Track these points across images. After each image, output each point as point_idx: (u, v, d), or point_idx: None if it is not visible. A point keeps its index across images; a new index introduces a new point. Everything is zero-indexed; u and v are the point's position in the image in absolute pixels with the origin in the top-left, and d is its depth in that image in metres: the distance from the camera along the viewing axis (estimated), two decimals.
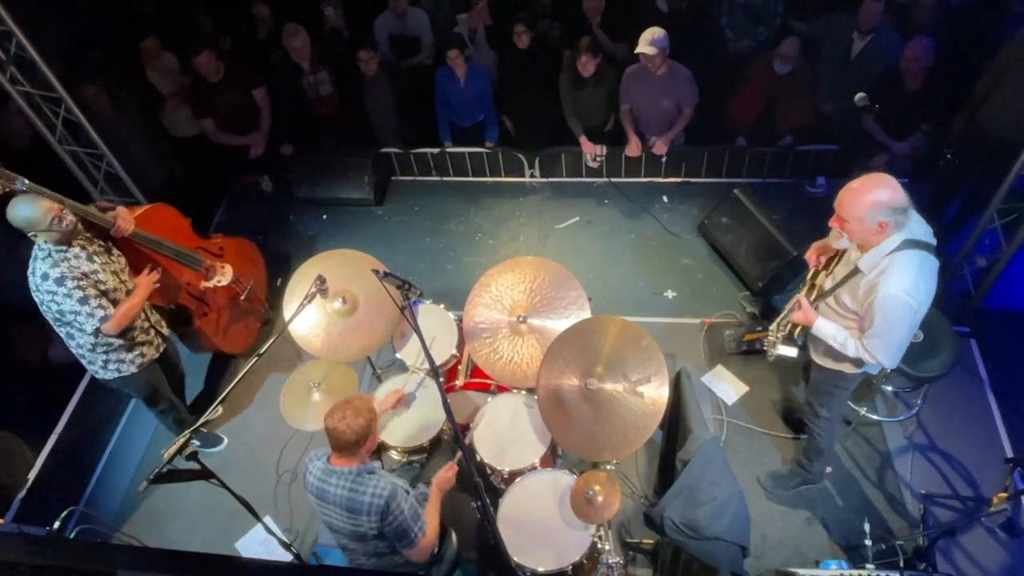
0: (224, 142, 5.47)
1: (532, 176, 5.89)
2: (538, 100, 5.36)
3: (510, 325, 3.53)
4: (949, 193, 4.93)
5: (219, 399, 2.74)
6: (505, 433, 3.43)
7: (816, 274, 3.05)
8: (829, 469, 3.78)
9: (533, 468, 3.29)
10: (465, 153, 5.82)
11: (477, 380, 3.74)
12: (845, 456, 3.91)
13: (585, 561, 3.02)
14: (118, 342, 3.45)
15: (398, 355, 3.78)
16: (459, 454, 3.06)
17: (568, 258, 4.89)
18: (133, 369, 3.57)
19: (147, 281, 3.56)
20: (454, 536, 3.17)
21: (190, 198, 4.39)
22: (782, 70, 4.83)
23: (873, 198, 2.51)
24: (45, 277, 3.14)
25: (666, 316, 4.75)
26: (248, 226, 5.57)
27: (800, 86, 4.95)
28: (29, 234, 3.09)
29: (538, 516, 3.13)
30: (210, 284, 4.21)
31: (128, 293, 3.45)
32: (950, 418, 4.01)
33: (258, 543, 3.71)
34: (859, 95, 4.32)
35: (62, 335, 3.38)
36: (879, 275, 2.61)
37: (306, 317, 3.46)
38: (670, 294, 4.91)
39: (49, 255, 3.15)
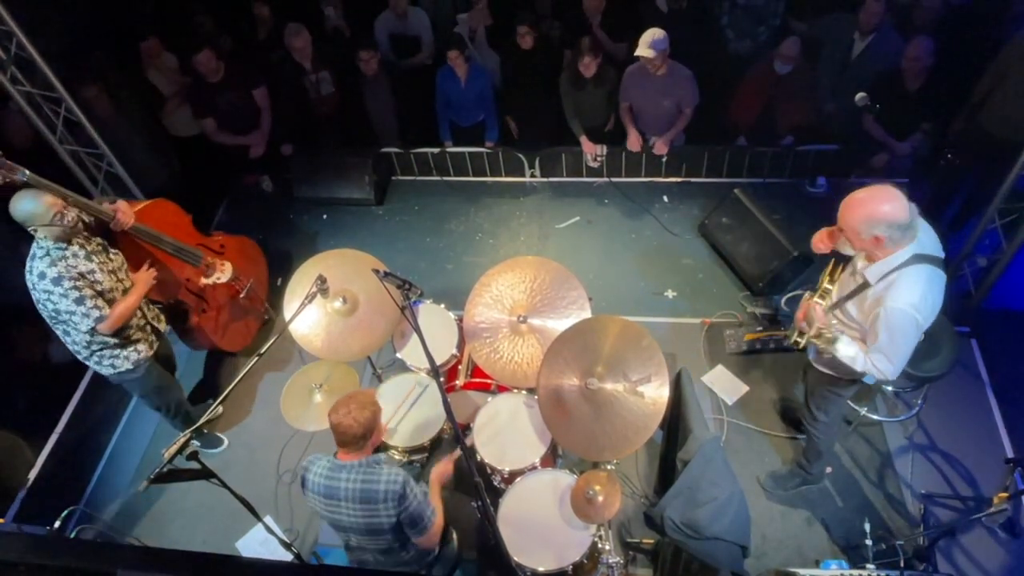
0: (224, 142, 5.47)
1: (532, 176, 5.89)
2: (540, 100, 5.36)
3: (510, 325, 3.54)
4: (949, 193, 4.92)
5: (220, 399, 2.74)
6: (505, 433, 3.43)
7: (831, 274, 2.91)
8: (829, 469, 3.78)
9: (533, 468, 3.29)
10: (465, 153, 5.81)
11: (477, 380, 3.75)
12: (845, 456, 3.90)
13: (585, 561, 3.03)
14: (113, 340, 3.45)
15: (398, 355, 3.79)
16: (457, 451, 3.06)
17: (568, 258, 4.90)
18: (128, 365, 3.57)
19: (145, 278, 3.56)
20: (454, 536, 3.17)
21: (190, 198, 4.39)
22: (783, 70, 4.82)
23: (868, 211, 2.46)
24: (42, 276, 3.14)
25: (666, 316, 4.75)
26: (248, 226, 5.54)
27: (801, 86, 4.94)
28: (29, 228, 3.09)
29: (538, 516, 3.13)
30: (209, 281, 4.20)
31: (125, 291, 3.45)
32: (950, 418, 4.00)
33: (259, 543, 3.71)
34: (860, 95, 4.32)
35: (58, 332, 3.38)
36: (887, 288, 2.57)
37: (306, 317, 3.46)
38: (670, 294, 4.91)
39: (47, 253, 3.14)
